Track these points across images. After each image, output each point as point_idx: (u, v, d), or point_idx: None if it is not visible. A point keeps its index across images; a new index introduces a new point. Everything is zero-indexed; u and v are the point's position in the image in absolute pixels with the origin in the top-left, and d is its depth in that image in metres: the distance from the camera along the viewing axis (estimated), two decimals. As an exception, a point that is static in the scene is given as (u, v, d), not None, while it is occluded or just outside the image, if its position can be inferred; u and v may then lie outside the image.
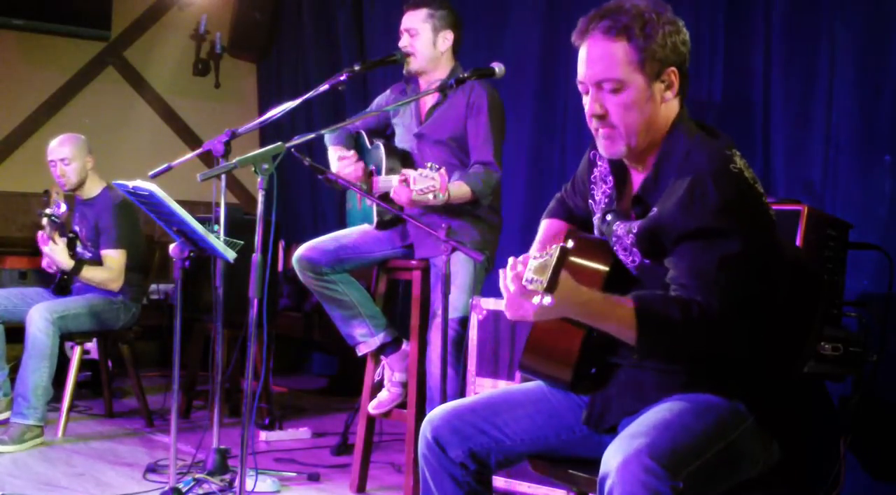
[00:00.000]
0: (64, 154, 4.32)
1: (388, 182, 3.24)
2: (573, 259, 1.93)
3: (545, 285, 1.66)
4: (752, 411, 1.84)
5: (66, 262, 4.20)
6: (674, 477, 1.63)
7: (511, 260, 1.81)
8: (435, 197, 2.87)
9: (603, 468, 1.68)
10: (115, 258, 4.32)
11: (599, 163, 2.08)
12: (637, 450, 1.64)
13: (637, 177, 1.96)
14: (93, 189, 4.41)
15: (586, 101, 1.90)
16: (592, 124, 1.90)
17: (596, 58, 1.85)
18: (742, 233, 1.77)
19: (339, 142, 3.60)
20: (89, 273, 4.26)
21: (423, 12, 3.36)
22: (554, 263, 1.66)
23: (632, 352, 1.79)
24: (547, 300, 1.65)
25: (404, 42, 3.39)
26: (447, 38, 3.40)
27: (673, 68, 1.86)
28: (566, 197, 2.25)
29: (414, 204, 3.11)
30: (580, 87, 1.91)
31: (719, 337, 1.77)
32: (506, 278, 1.78)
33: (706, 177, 1.78)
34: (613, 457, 1.66)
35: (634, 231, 1.89)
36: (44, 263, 4.36)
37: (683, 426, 1.74)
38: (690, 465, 1.68)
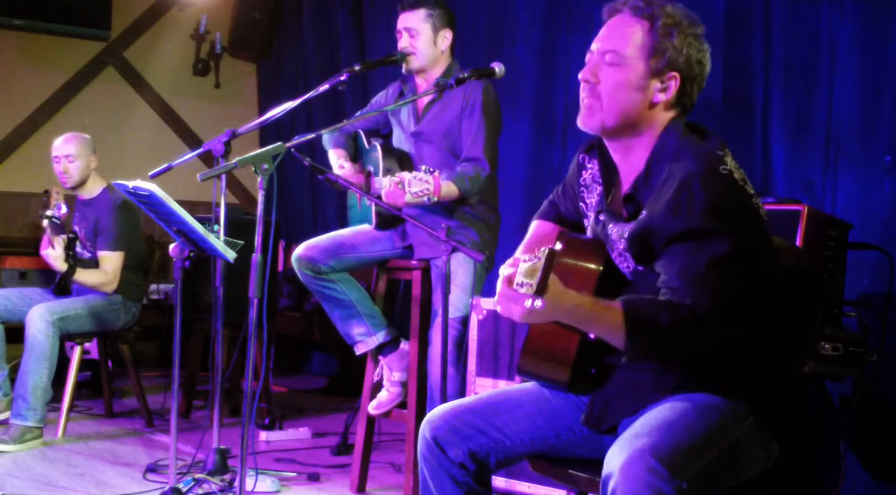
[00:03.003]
0: (69, 151, 4.32)
1: (385, 183, 3.24)
2: (565, 260, 1.93)
3: (535, 288, 1.67)
4: (752, 410, 1.84)
5: (61, 266, 4.18)
6: (678, 477, 1.62)
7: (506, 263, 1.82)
8: (429, 199, 2.91)
9: (606, 468, 1.67)
10: (111, 260, 4.31)
11: (589, 166, 2.08)
12: (640, 450, 1.64)
13: (627, 178, 1.96)
14: (93, 189, 4.41)
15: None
16: (582, 91, 1.92)
17: (613, 28, 1.90)
18: (731, 234, 1.77)
19: (337, 143, 3.60)
20: (83, 276, 4.23)
21: (422, 12, 3.36)
22: (543, 266, 1.67)
23: (622, 355, 1.79)
24: (538, 303, 1.66)
25: (404, 43, 3.38)
26: (446, 37, 3.40)
27: (675, 73, 1.87)
28: (557, 199, 2.25)
29: (407, 205, 3.13)
30: (587, 56, 1.93)
31: (709, 339, 1.77)
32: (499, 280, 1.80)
33: (694, 179, 1.78)
34: (616, 458, 1.66)
35: (626, 235, 1.90)
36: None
37: (686, 425, 1.74)
38: (694, 465, 1.68)
